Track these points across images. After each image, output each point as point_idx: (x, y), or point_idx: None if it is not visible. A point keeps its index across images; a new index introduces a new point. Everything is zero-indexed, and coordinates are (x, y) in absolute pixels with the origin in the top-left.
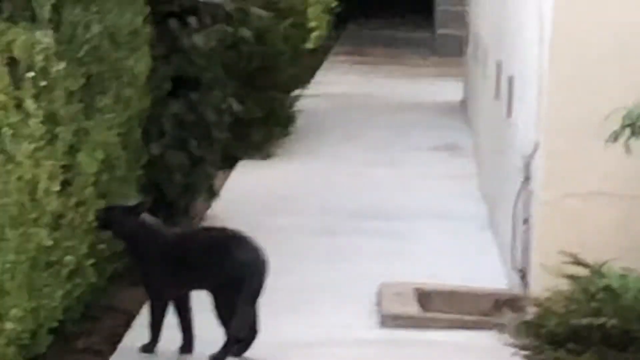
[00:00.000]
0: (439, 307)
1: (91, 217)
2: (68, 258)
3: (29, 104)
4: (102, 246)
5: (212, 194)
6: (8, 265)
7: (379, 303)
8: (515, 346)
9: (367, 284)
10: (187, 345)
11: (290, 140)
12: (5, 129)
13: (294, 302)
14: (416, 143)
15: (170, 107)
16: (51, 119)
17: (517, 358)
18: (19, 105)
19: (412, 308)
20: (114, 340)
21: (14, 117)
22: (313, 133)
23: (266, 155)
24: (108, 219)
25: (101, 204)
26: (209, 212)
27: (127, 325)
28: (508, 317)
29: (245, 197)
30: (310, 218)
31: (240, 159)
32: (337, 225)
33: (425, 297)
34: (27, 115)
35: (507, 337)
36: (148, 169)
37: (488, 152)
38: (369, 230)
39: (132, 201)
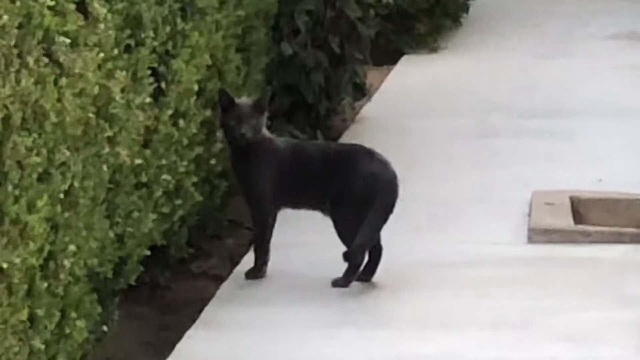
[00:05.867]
0: (597, 218)
1: (194, 130)
2: (164, 177)
3: (97, 6)
4: (212, 161)
5: (361, 94)
6: (61, 196)
7: (530, 214)
8: None
9: (522, 192)
10: None
11: (460, 32)
12: (62, 39)
13: (437, 215)
14: (593, 32)
15: (303, 2)
16: (130, 24)
17: None
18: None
19: (564, 220)
20: (236, 261)
21: (73, 24)
22: (486, 24)
23: (433, 49)
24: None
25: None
26: (358, 114)
27: (251, 244)
28: None
29: (404, 95)
30: (471, 118)
31: (405, 53)
32: (500, 125)
33: (582, 207)
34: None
35: None
36: (281, 70)
37: None
38: (535, 130)
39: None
